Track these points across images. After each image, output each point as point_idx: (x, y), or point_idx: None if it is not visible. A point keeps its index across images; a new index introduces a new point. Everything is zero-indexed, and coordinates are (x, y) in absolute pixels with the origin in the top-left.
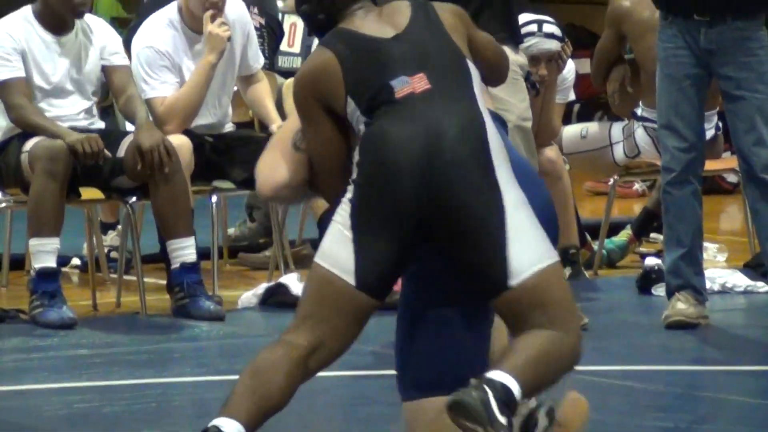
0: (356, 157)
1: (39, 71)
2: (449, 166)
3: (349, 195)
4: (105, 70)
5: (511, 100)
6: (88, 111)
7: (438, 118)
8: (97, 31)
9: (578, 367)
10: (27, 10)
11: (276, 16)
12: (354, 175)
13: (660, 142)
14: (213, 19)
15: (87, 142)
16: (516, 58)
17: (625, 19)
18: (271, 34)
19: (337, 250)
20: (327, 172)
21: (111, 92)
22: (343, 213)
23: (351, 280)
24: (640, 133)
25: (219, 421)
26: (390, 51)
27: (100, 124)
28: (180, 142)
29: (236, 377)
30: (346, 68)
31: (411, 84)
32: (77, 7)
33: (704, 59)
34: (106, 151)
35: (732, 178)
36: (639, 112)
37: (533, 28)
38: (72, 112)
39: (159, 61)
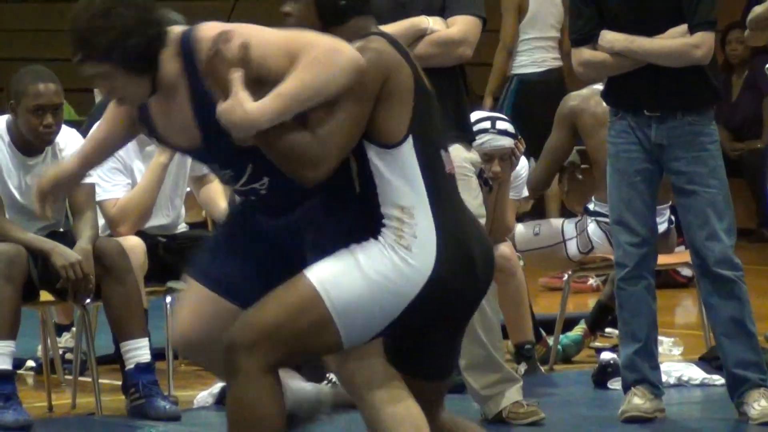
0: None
1: (5, 189)
2: None
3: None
4: None
5: (465, 197)
6: (52, 226)
7: None
8: (68, 149)
9: None
10: (2, 121)
11: None
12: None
13: (612, 237)
14: None
15: (72, 268)
16: (468, 156)
17: (577, 116)
18: None
19: None
20: (342, 150)
21: (69, 207)
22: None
23: None
24: (592, 228)
25: None
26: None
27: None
28: (133, 243)
29: None
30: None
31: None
32: (43, 135)
33: (655, 154)
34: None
35: (686, 271)
36: (591, 207)
37: (486, 125)
38: (34, 229)
39: (110, 163)
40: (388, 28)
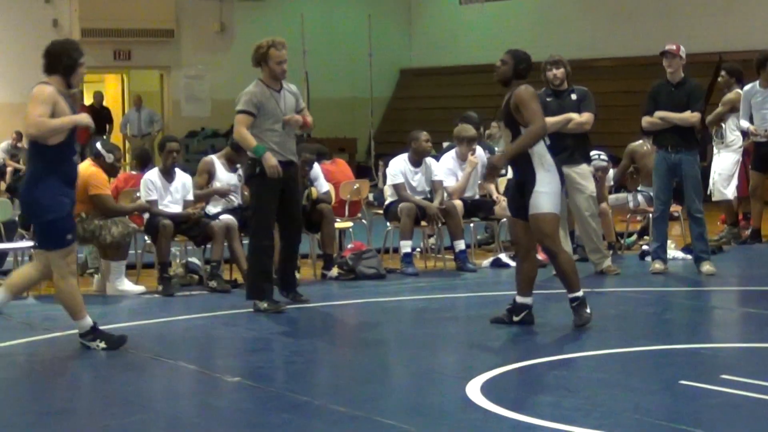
0: None
1: None
2: None
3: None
4: None
5: (590, 186)
6: None
7: None
8: None
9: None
10: None
11: None
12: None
13: (653, 200)
14: None
15: None
16: (589, 168)
17: (634, 152)
18: None
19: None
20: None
21: None
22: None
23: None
24: (640, 197)
25: None
26: None
27: None
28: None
29: None
30: None
31: None
32: None
33: (672, 168)
34: None
35: (676, 213)
36: (639, 188)
37: (595, 155)
38: None
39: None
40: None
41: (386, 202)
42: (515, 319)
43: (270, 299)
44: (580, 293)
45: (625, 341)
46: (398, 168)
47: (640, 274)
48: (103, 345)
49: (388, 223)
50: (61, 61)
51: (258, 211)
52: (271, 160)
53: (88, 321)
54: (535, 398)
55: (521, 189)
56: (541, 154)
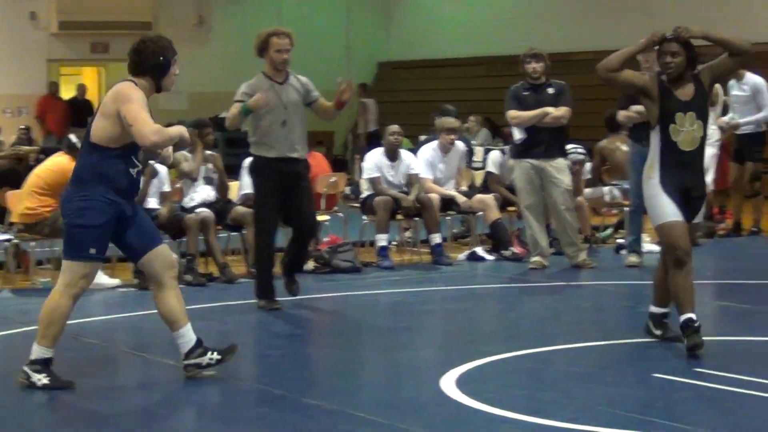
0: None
1: None
2: None
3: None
4: None
5: (567, 180)
6: None
7: None
8: None
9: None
10: None
11: None
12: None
13: (629, 194)
14: None
15: None
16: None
17: (604, 148)
18: None
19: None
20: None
21: None
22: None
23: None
24: (615, 191)
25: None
26: None
27: None
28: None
29: None
30: None
31: None
32: None
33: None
34: None
35: None
36: (613, 182)
37: (571, 149)
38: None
39: None
40: None
41: (362, 196)
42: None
43: (265, 297)
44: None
45: (600, 334)
46: (374, 161)
47: (615, 267)
48: (45, 381)
49: (364, 217)
50: (152, 62)
51: (256, 207)
52: (255, 97)
53: (48, 353)
54: (509, 392)
55: (692, 187)
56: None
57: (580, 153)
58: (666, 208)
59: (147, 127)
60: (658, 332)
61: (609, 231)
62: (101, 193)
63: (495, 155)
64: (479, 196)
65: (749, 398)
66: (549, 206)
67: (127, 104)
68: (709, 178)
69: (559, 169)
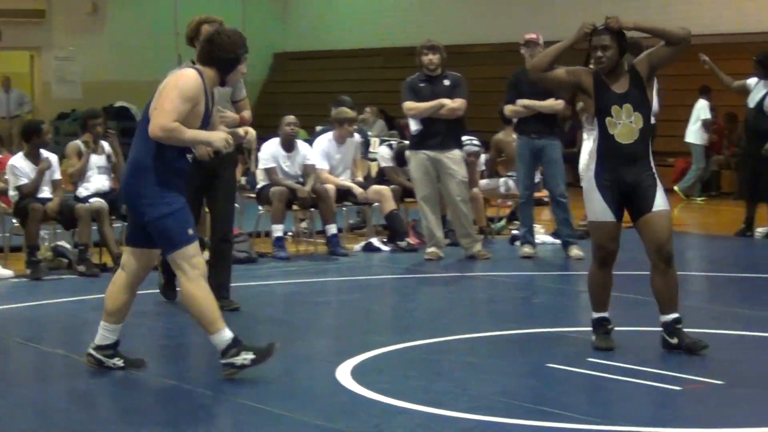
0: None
1: None
2: None
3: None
4: None
5: (462, 171)
6: None
7: None
8: None
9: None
10: None
11: None
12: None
13: (519, 185)
14: None
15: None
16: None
17: (500, 143)
18: None
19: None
20: None
21: None
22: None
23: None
24: (510, 182)
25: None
26: None
27: None
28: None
29: None
30: None
31: None
32: None
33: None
34: None
35: (546, 199)
36: (507, 173)
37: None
38: None
39: None
40: None
41: (258, 186)
42: (674, 342)
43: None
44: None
45: (494, 325)
46: (270, 152)
47: (509, 258)
48: (251, 356)
49: (259, 207)
50: (223, 55)
51: None
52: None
53: (227, 334)
54: (405, 382)
55: (634, 181)
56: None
57: (475, 145)
58: (596, 207)
59: (162, 120)
60: (673, 341)
61: (503, 222)
62: (168, 177)
63: (383, 151)
64: (375, 187)
65: (641, 388)
66: (444, 197)
67: (170, 91)
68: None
69: (454, 160)
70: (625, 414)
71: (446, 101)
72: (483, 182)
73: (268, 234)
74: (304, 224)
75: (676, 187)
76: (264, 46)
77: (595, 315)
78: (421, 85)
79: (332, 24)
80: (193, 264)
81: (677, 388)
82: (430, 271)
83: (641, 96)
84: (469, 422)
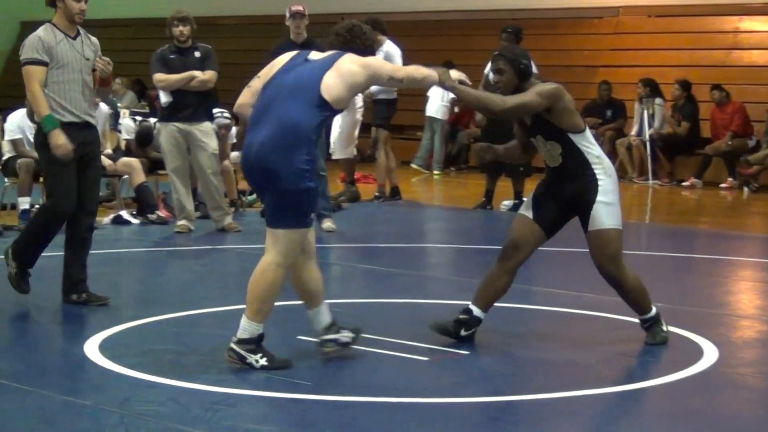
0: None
1: None
2: None
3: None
4: None
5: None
6: None
7: None
8: None
9: None
10: None
11: None
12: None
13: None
14: None
15: None
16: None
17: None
18: None
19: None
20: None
21: None
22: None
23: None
24: None
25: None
26: None
27: None
28: None
29: None
30: None
31: None
32: None
33: None
34: None
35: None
36: None
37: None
38: None
39: None
40: None
41: (4, 158)
42: (464, 333)
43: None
44: (652, 312)
45: (244, 298)
46: (16, 122)
47: (261, 231)
48: (263, 362)
49: (6, 179)
50: (360, 46)
51: (55, 177)
52: (58, 139)
53: (261, 329)
54: (154, 356)
55: (570, 198)
56: (600, 156)
57: (226, 117)
58: (524, 204)
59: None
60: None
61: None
62: (311, 152)
63: (127, 123)
64: (124, 159)
65: (399, 360)
66: (195, 170)
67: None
68: (353, 144)
69: (205, 132)
70: (378, 385)
71: (197, 73)
72: (234, 154)
73: (14, 207)
74: None
75: (413, 164)
76: (10, 16)
77: (472, 308)
78: (172, 56)
79: None
80: (294, 250)
81: (425, 358)
82: (181, 244)
83: (544, 126)
84: (218, 395)
